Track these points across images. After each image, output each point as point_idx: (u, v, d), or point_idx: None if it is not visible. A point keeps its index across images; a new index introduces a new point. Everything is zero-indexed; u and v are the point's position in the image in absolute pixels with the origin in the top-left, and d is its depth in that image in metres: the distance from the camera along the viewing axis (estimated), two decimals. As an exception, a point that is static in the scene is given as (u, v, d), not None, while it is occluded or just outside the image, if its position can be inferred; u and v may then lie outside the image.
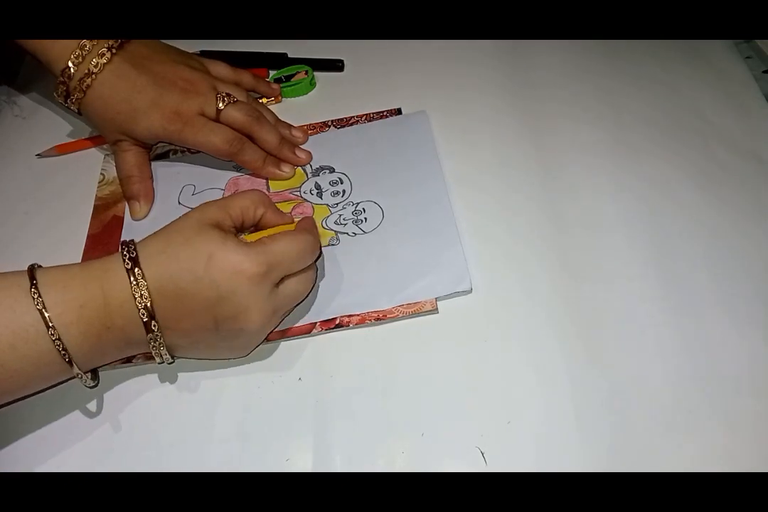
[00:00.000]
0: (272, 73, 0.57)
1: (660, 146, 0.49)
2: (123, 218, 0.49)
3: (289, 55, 0.57)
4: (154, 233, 0.39)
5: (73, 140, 0.55)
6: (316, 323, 0.42)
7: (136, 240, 0.38)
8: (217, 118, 0.47)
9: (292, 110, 0.54)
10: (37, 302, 0.35)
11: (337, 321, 0.42)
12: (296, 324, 0.42)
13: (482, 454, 0.37)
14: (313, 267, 0.42)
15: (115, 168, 0.51)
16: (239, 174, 0.51)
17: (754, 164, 0.47)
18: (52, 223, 0.50)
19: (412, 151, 0.50)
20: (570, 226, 0.45)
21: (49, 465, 0.39)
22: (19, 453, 0.39)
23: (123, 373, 0.42)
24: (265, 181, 0.50)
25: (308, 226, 0.42)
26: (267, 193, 0.49)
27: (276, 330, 0.42)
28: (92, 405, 0.41)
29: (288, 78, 0.56)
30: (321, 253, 0.44)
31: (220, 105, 0.47)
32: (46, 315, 0.35)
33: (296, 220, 0.43)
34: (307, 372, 0.41)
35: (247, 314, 0.37)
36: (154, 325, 0.36)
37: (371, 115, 0.53)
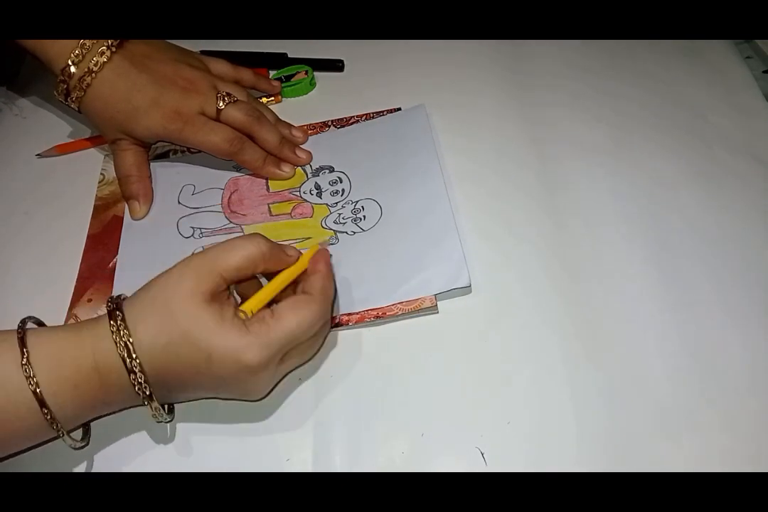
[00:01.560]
0: (272, 73, 0.57)
1: (660, 145, 0.49)
2: (123, 218, 0.49)
3: (289, 55, 0.57)
4: (146, 298, 0.36)
5: (73, 140, 0.55)
6: (315, 322, 0.42)
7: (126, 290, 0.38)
8: (217, 118, 0.47)
9: (292, 110, 0.54)
10: (30, 382, 0.33)
11: (337, 320, 0.42)
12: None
13: (482, 454, 0.37)
14: (321, 331, 0.39)
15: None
16: (239, 174, 0.51)
17: (754, 164, 0.47)
18: (52, 223, 0.50)
19: (411, 145, 0.50)
20: (570, 226, 0.45)
21: (49, 466, 0.39)
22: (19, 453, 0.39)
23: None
24: (265, 180, 0.50)
25: (321, 275, 0.39)
26: (267, 193, 0.49)
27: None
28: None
29: (288, 78, 0.56)
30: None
31: (221, 104, 0.47)
32: (38, 391, 0.33)
33: (303, 250, 0.41)
34: (307, 372, 0.41)
35: (252, 394, 0.38)
36: (155, 406, 0.36)
37: (371, 115, 0.53)
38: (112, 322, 0.35)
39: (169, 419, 0.39)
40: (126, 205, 0.50)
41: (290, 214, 0.48)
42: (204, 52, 0.57)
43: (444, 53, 0.56)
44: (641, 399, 0.38)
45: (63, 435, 0.35)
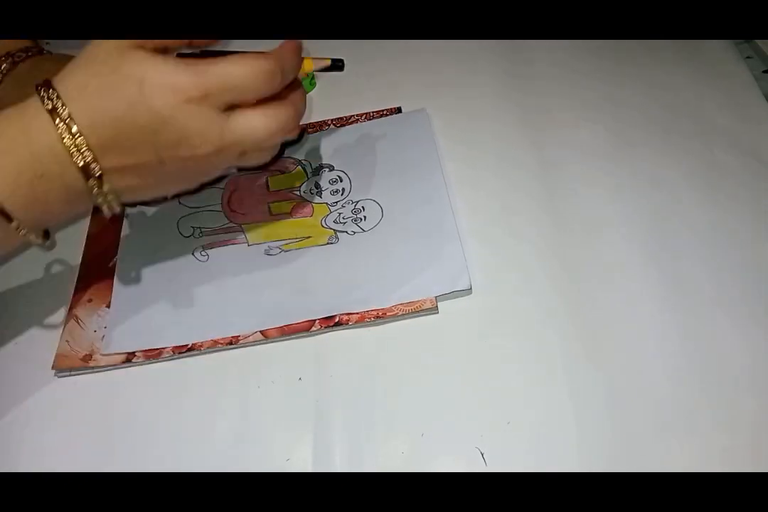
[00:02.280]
0: (272, 72, 0.56)
1: (660, 146, 0.49)
2: (123, 217, 0.49)
3: (289, 55, 0.57)
4: (69, 67, 0.34)
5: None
6: (315, 320, 0.42)
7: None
8: None
9: (292, 110, 0.54)
10: None
11: (337, 319, 0.42)
12: (295, 322, 0.42)
13: (482, 455, 0.37)
14: (280, 106, 0.36)
15: None
16: (239, 173, 0.51)
17: (754, 164, 0.47)
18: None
19: (412, 148, 0.50)
20: (570, 226, 0.45)
21: (49, 466, 0.39)
22: (19, 453, 0.39)
23: (122, 374, 0.42)
24: (265, 180, 0.50)
25: (265, 55, 0.36)
26: (266, 192, 0.49)
27: (275, 327, 0.42)
28: (91, 405, 0.41)
29: (288, 77, 0.56)
30: (297, 83, 0.38)
31: None
32: None
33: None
34: (307, 372, 0.41)
35: (190, 140, 0.34)
36: (94, 167, 0.33)
37: (371, 114, 0.53)
38: (37, 87, 0.34)
39: (117, 209, 0.37)
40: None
41: (290, 213, 0.48)
42: (204, 52, 0.57)
43: (444, 53, 0.56)
44: (641, 399, 0.38)
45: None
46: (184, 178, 0.37)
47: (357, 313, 0.42)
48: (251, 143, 0.36)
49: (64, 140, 0.33)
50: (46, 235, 0.37)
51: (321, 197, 0.48)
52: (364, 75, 0.56)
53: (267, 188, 0.50)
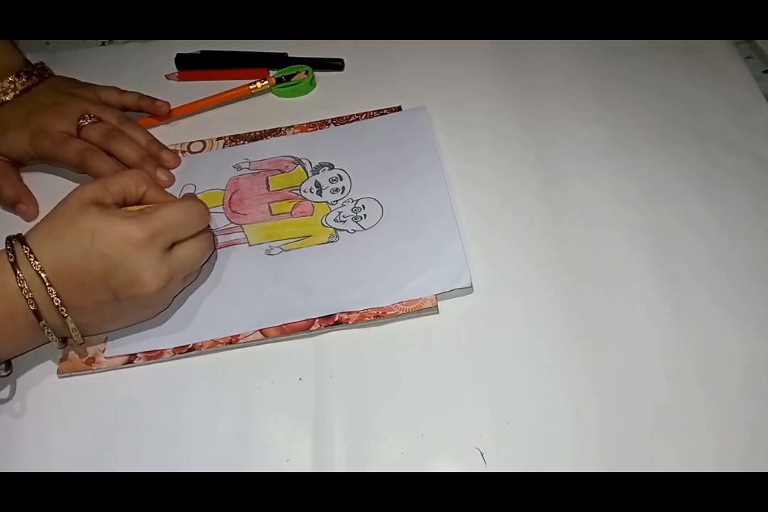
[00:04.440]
0: (272, 72, 0.57)
1: (660, 145, 0.49)
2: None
3: (289, 55, 0.57)
4: (41, 220, 0.40)
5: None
6: (315, 319, 0.42)
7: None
8: (79, 136, 0.50)
9: (293, 110, 0.54)
10: None
11: (336, 318, 0.42)
12: (295, 320, 0.42)
13: (482, 455, 0.37)
14: (208, 232, 0.43)
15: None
16: (240, 173, 0.51)
17: (753, 164, 0.47)
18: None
19: (412, 146, 0.50)
20: (570, 226, 0.45)
21: (49, 466, 0.39)
22: (19, 453, 0.39)
23: (123, 374, 0.42)
24: (265, 179, 0.50)
25: (193, 197, 0.44)
26: (267, 192, 0.49)
27: (274, 325, 0.42)
28: (92, 405, 0.41)
29: (288, 78, 0.55)
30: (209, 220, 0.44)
31: (81, 123, 0.50)
32: None
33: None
34: (307, 372, 0.41)
35: (142, 279, 0.38)
36: (62, 310, 0.38)
37: (371, 113, 0.53)
38: (7, 240, 0.39)
39: (82, 341, 0.40)
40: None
41: (290, 212, 0.48)
42: (204, 52, 0.57)
43: (444, 53, 0.56)
44: (641, 400, 0.38)
45: None
46: (140, 313, 0.42)
47: (357, 312, 0.42)
48: (193, 267, 0.42)
49: (23, 289, 0.37)
50: (9, 364, 0.41)
51: (321, 196, 0.48)
52: (365, 75, 0.56)
53: (267, 188, 0.50)
